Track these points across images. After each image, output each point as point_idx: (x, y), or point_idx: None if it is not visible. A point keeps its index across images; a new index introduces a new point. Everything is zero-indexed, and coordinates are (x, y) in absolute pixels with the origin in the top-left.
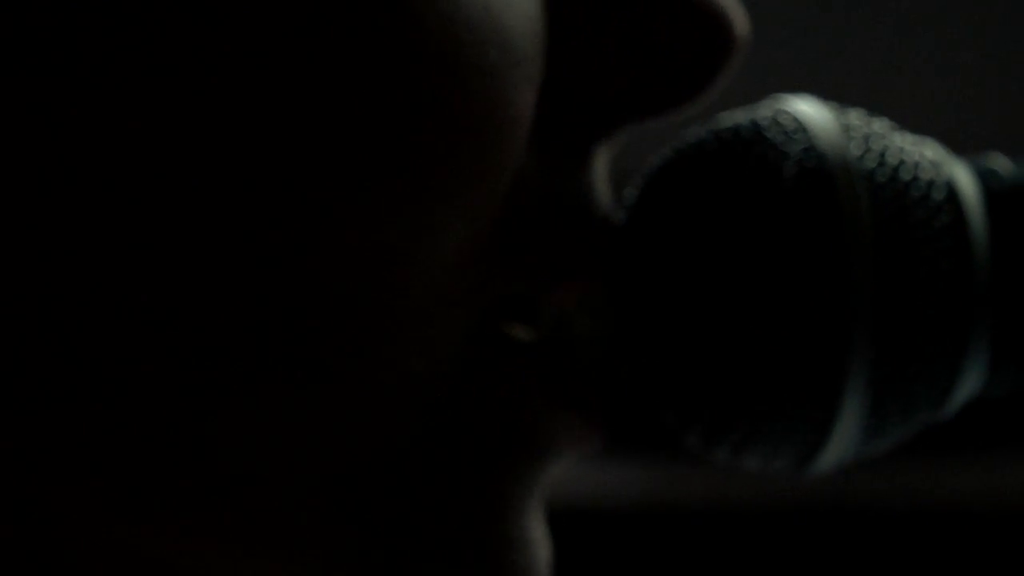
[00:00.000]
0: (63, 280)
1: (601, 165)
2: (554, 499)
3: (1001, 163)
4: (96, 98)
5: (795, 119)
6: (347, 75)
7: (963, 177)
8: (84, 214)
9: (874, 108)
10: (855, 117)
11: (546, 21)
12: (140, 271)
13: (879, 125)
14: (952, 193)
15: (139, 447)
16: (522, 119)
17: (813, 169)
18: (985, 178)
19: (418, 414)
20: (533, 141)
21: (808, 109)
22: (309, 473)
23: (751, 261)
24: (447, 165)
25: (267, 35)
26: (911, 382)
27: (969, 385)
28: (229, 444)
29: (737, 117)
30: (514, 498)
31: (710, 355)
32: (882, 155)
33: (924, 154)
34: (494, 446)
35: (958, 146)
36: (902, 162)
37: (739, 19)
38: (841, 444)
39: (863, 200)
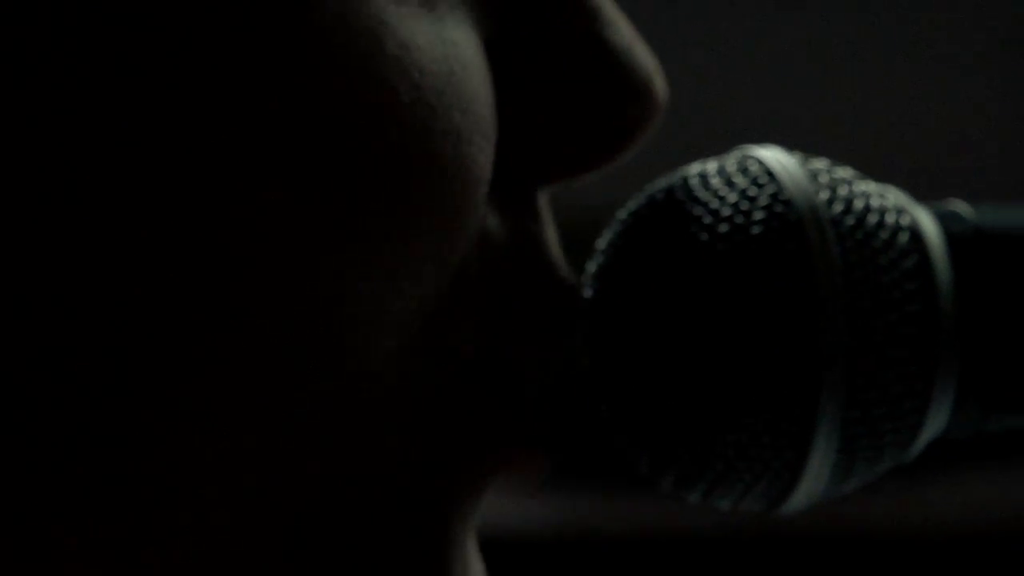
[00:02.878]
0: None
1: (546, 210)
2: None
3: (962, 207)
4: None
5: (762, 166)
6: (323, 139)
7: (926, 221)
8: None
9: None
10: (820, 164)
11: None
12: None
13: (844, 172)
14: (916, 237)
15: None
16: (484, 176)
17: (781, 215)
18: (947, 222)
19: (363, 449)
20: (489, 197)
21: (775, 156)
22: (248, 502)
23: (723, 306)
24: (417, 223)
25: (250, 94)
26: (879, 422)
27: (935, 425)
28: (167, 465)
29: (705, 165)
30: (457, 534)
31: (686, 399)
32: (848, 201)
33: (888, 199)
34: (440, 483)
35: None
36: (868, 207)
37: (659, 83)
38: (811, 484)
39: (831, 244)
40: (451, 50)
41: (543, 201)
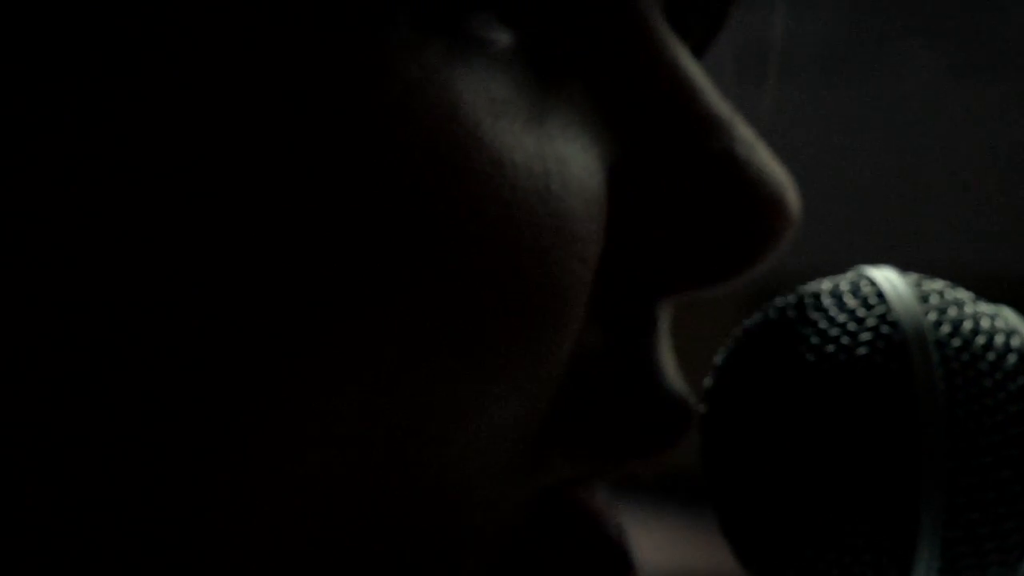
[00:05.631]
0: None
1: (665, 329)
2: None
3: None
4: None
5: (874, 287)
6: (407, 254)
7: None
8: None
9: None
10: (935, 285)
11: (605, 200)
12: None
13: (959, 293)
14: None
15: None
16: (574, 297)
17: (887, 336)
18: None
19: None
20: (596, 314)
21: (887, 277)
22: None
23: (826, 426)
24: (500, 340)
25: (343, 209)
26: (983, 541)
27: None
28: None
29: (821, 285)
30: None
31: (790, 516)
32: (957, 322)
33: (1000, 321)
34: None
35: None
36: (976, 329)
37: (792, 196)
38: None
39: (935, 366)
40: (553, 167)
41: (663, 313)
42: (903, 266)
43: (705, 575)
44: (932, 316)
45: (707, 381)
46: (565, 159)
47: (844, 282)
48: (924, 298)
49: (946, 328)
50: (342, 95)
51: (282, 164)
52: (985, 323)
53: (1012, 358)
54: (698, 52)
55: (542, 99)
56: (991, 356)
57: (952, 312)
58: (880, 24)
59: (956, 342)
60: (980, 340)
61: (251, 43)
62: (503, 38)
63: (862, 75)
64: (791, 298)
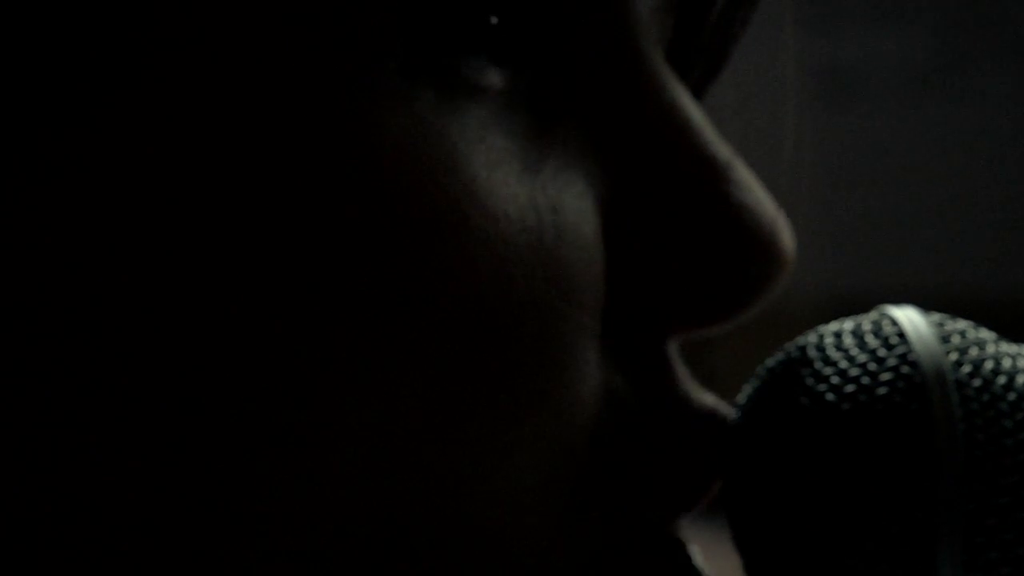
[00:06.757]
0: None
1: (675, 358)
2: None
3: None
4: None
5: (895, 327)
6: (405, 312)
7: None
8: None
9: None
10: (959, 325)
11: (601, 244)
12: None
13: (983, 334)
14: None
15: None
16: (575, 342)
17: (907, 376)
18: None
19: None
20: (613, 358)
21: (908, 317)
22: None
23: (844, 467)
24: (504, 390)
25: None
26: None
27: None
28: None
29: (843, 324)
30: None
31: (809, 555)
32: (978, 363)
33: (1020, 361)
34: None
35: None
36: (997, 370)
37: (786, 239)
38: None
39: (955, 406)
40: (547, 217)
41: (672, 349)
42: (1000, 289)
43: None
44: (953, 356)
45: (730, 419)
46: (559, 207)
47: (866, 322)
48: (945, 338)
49: (966, 368)
50: (329, 152)
51: (268, 233)
52: (1006, 363)
53: None
54: (699, 92)
55: (537, 145)
56: (1011, 396)
57: (973, 352)
58: (962, 47)
59: (976, 382)
60: (1001, 380)
61: (234, 96)
62: (496, 81)
63: (944, 98)
64: (811, 338)
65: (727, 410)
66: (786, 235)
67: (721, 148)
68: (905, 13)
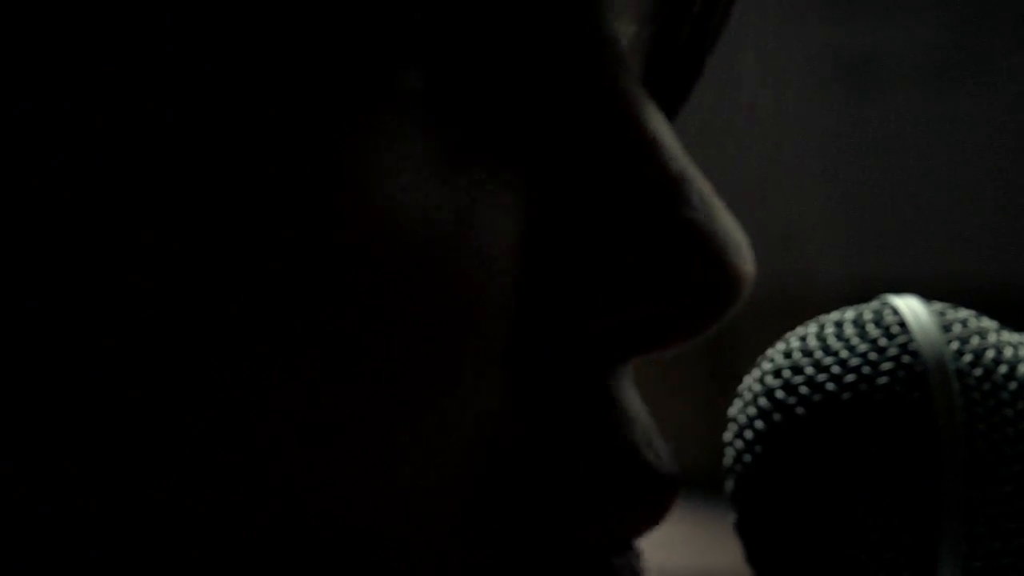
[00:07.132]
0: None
1: (625, 386)
2: None
3: None
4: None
5: (896, 316)
6: (276, 300)
7: None
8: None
9: None
10: (959, 315)
11: (517, 261)
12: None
13: (984, 323)
14: None
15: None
16: (464, 356)
17: (908, 365)
18: None
19: None
20: (532, 376)
21: (909, 306)
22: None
23: (844, 456)
24: (385, 396)
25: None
26: (1006, 572)
27: None
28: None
29: (844, 314)
30: None
31: (807, 547)
32: (979, 352)
33: (1022, 350)
34: None
35: None
36: (998, 359)
37: (745, 258)
38: None
39: (955, 395)
40: (450, 227)
41: (620, 372)
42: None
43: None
44: (954, 345)
45: (730, 410)
46: (467, 219)
47: (867, 311)
48: (946, 327)
49: (968, 357)
50: (218, 150)
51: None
52: (1008, 352)
53: None
54: (672, 108)
55: (459, 154)
56: (1012, 385)
57: (974, 341)
58: (981, 37)
59: (977, 371)
60: (1002, 369)
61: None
62: (415, 82)
63: (964, 88)
64: (812, 328)
65: (654, 453)
66: (744, 253)
67: (677, 162)
68: (924, 3)
